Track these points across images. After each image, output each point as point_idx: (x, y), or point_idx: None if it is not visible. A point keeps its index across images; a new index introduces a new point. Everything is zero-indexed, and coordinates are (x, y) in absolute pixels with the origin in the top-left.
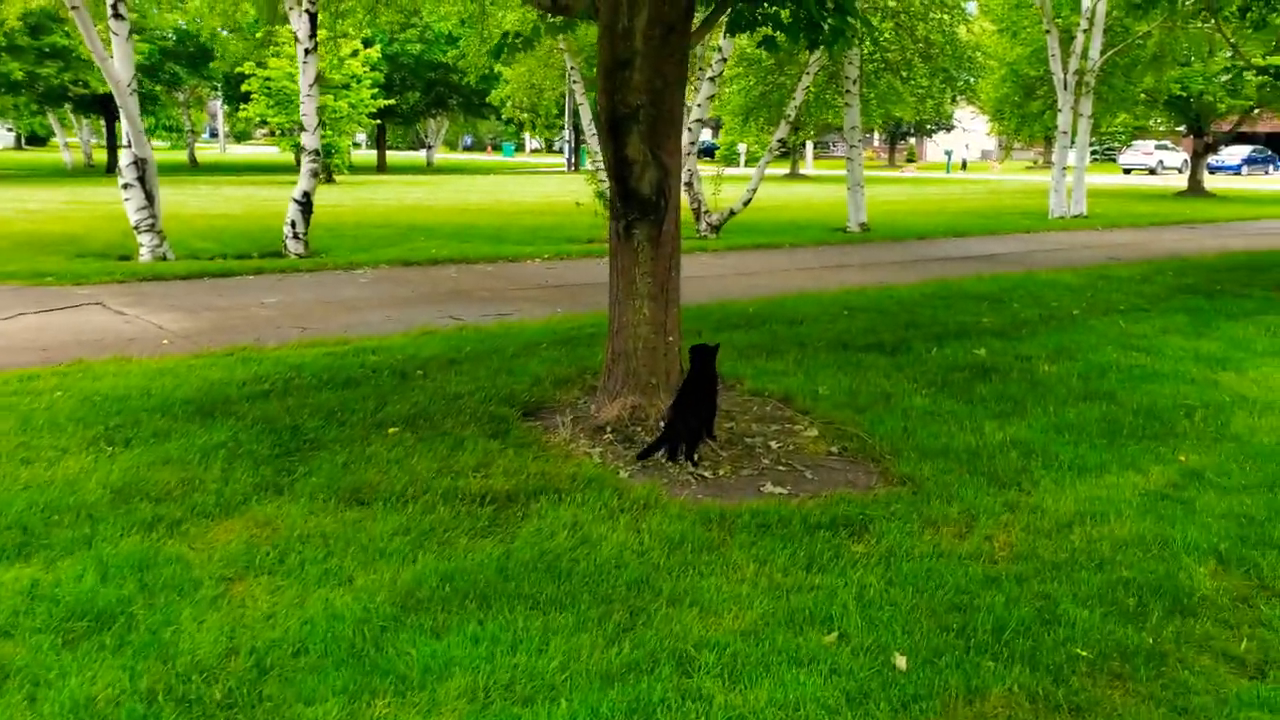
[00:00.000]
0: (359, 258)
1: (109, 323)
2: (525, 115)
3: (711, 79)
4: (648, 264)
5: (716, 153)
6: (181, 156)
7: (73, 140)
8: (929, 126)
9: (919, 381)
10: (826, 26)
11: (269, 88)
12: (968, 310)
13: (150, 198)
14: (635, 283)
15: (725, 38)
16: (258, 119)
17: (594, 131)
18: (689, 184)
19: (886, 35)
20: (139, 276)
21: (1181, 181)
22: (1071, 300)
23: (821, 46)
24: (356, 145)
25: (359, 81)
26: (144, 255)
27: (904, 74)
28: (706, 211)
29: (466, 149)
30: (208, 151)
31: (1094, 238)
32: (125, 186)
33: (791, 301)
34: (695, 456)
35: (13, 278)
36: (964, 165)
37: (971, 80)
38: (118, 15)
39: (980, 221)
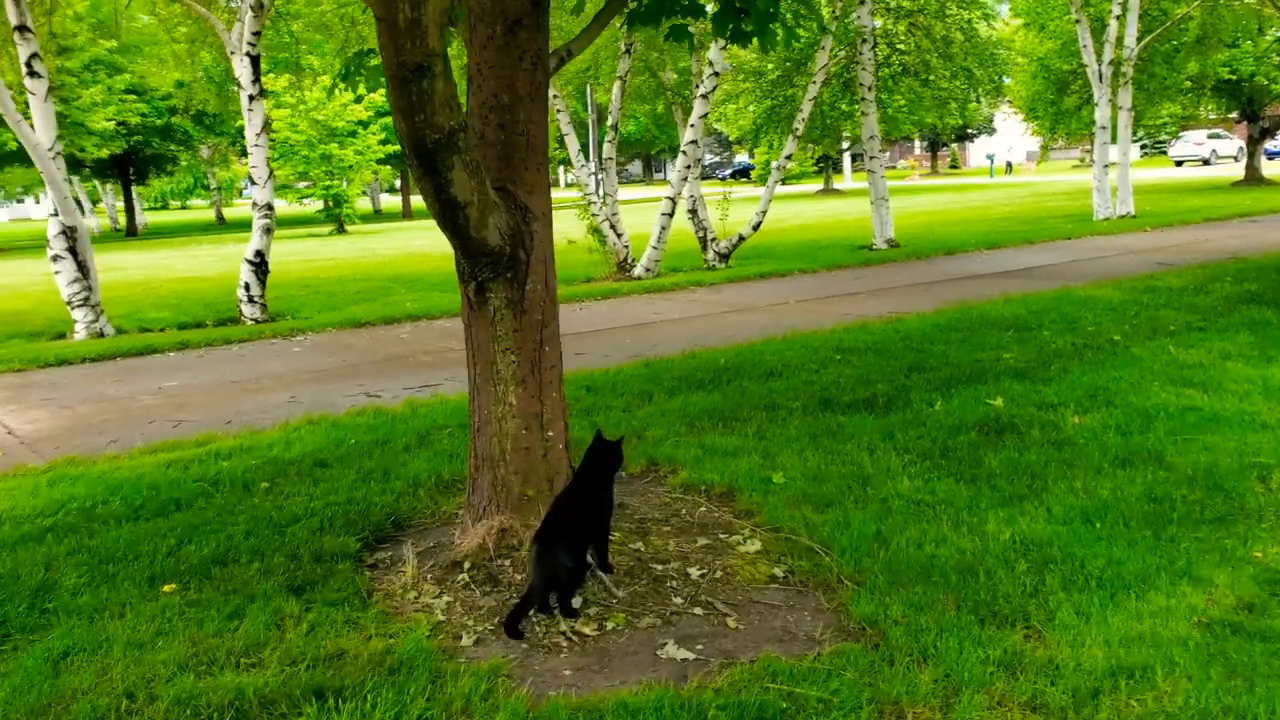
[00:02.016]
0: (322, 318)
1: None
2: None
3: (704, 96)
4: (509, 337)
5: (753, 173)
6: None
7: (100, 206)
8: (970, 131)
9: (911, 452)
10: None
11: (272, 140)
12: (988, 343)
13: (84, 269)
14: (495, 363)
15: (719, 47)
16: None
17: (582, 162)
18: (693, 211)
19: (900, 36)
20: (42, 362)
21: (1238, 170)
22: (1112, 322)
23: (794, 45)
24: (364, 193)
25: (365, 128)
26: (79, 333)
27: (923, 76)
28: (714, 239)
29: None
30: (243, 208)
31: (1141, 240)
32: (55, 259)
33: (776, 346)
34: (574, 603)
35: None
36: (1009, 168)
37: (1000, 79)
38: (33, 73)
39: (1019, 229)
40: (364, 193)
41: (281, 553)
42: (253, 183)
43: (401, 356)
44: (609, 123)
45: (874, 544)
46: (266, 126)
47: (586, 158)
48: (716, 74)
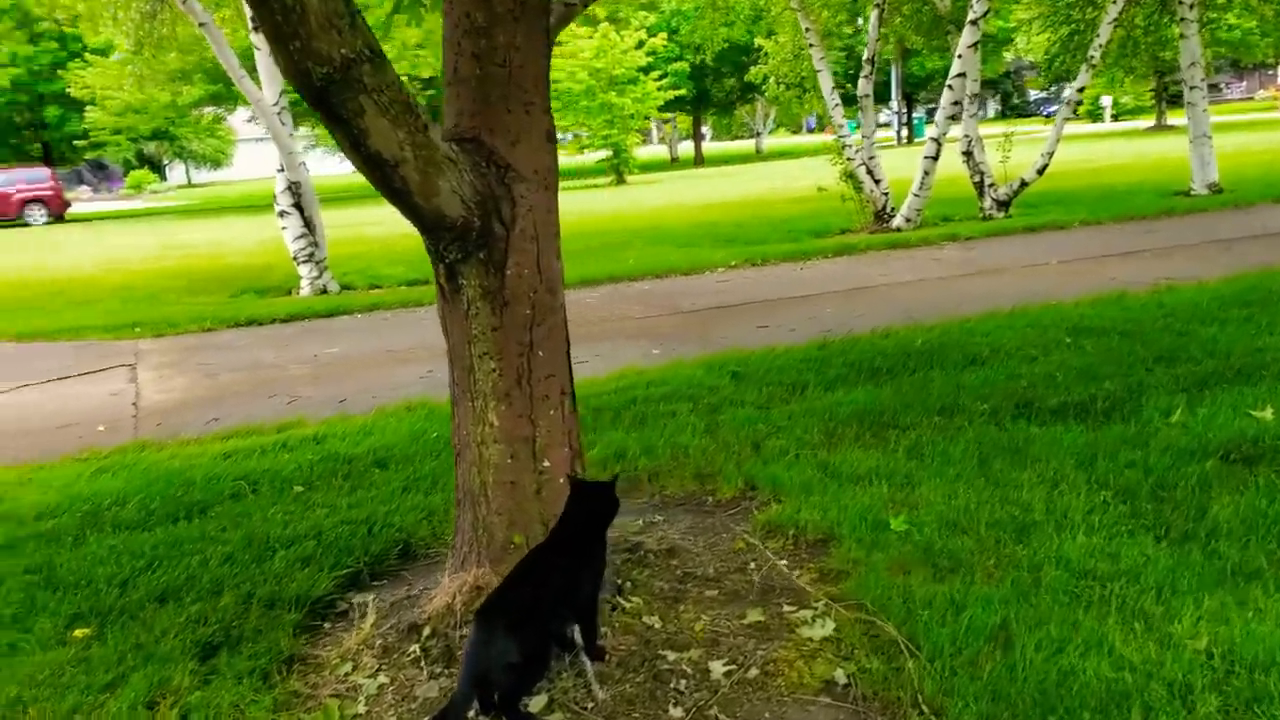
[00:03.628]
0: None
1: (92, 394)
2: (791, 93)
3: (973, 22)
4: (486, 338)
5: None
6: None
7: None
8: None
9: (1109, 488)
10: None
11: (554, 90)
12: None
13: (310, 225)
14: (472, 370)
15: None
16: None
17: (835, 101)
18: (968, 153)
19: None
20: (230, 322)
21: None
22: None
23: None
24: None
25: (646, 74)
26: (303, 289)
27: None
28: (991, 185)
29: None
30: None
31: None
32: (281, 214)
33: (994, 323)
34: (529, 705)
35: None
36: None
37: None
38: (257, 29)
39: None
40: (663, 140)
41: (237, 591)
42: None
43: (573, 324)
44: (865, 55)
45: (987, 645)
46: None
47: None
48: None
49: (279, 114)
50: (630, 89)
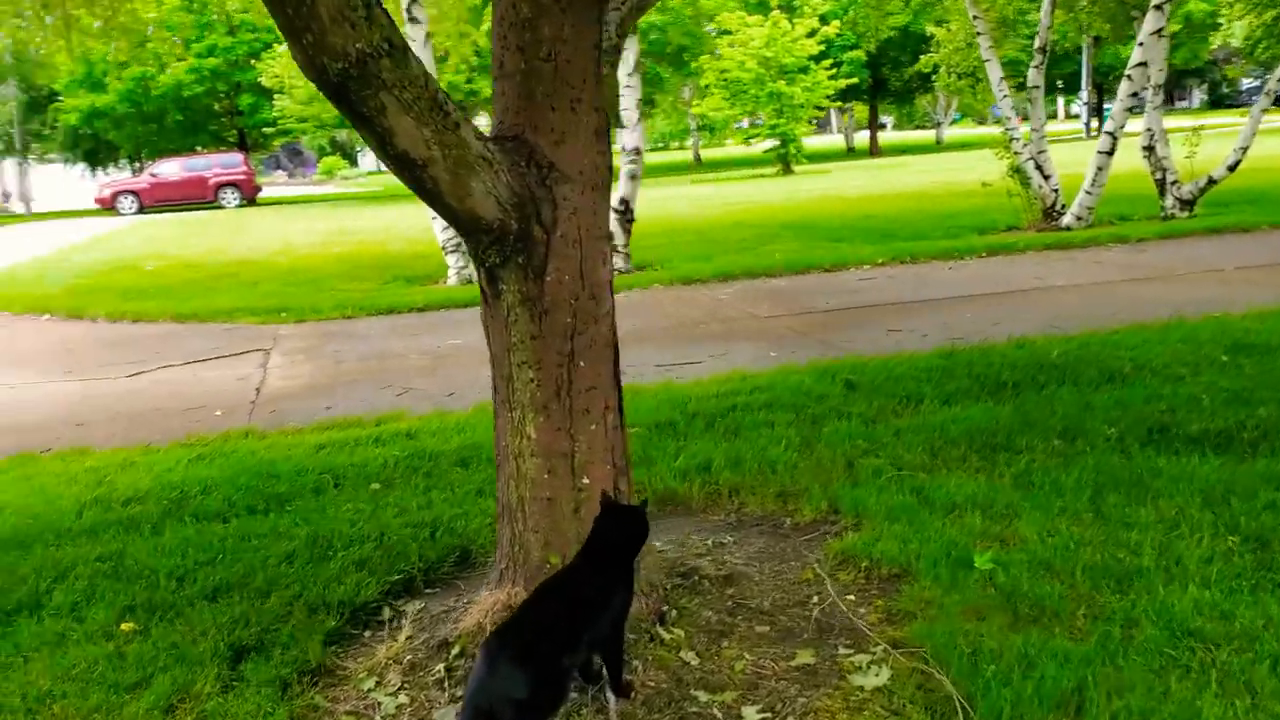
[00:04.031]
0: (687, 268)
1: (223, 378)
2: (964, 83)
3: (1158, 6)
4: (525, 346)
5: None
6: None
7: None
8: None
9: (1238, 533)
10: None
11: (725, 80)
12: None
13: None
14: (511, 379)
15: None
16: (709, 111)
17: (1004, 93)
18: (1149, 148)
19: None
20: (370, 310)
21: None
22: None
23: None
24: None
25: (817, 62)
26: (450, 278)
27: None
28: (1175, 183)
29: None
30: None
31: None
32: None
33: (1143, 336)
34: None
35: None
36: None
37: None
38: (412, 19)
39: None
40: (842, 130)
41: (285, 593)
42: (621, 125)
43: (696, 322)
44: (1035, 44)
45: (1053, 713)
46: (638, 66)
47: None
48: None
49: None
50: (800, 78)
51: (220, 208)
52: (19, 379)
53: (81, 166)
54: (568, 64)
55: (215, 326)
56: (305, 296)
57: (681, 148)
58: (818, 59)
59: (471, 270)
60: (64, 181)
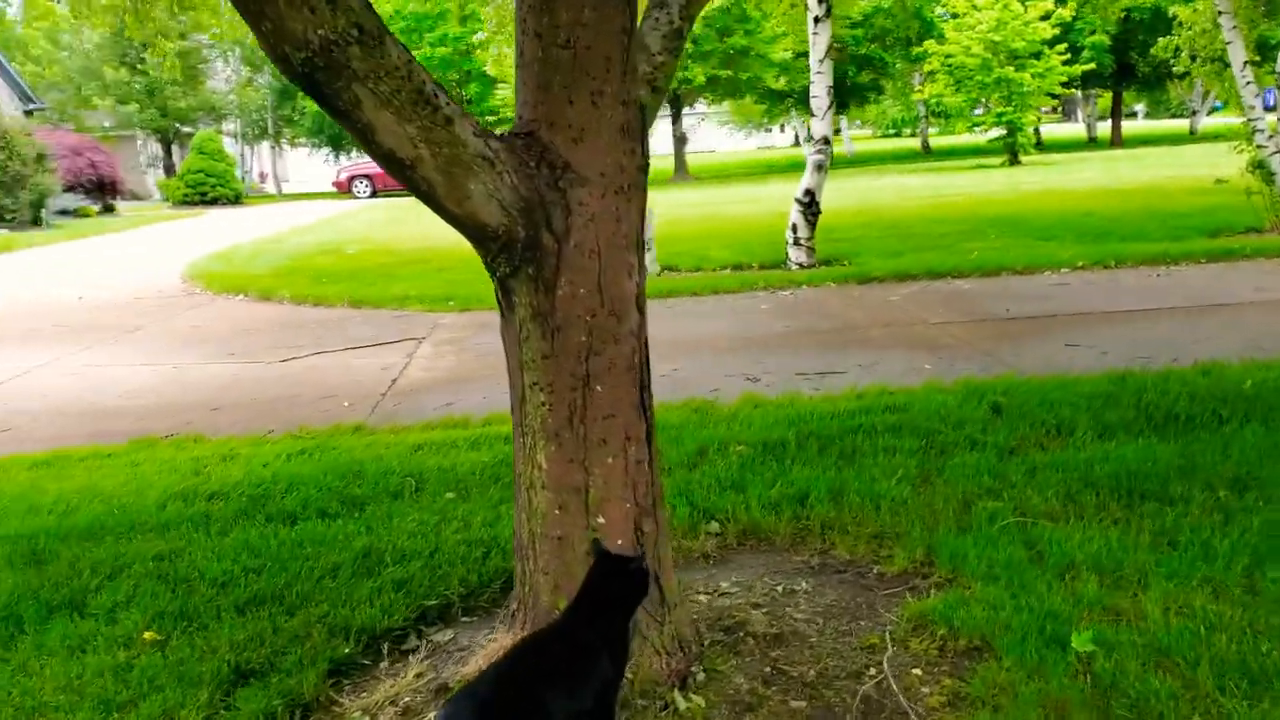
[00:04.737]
0: (872, 265)
1: (368, 367)
2: (1210, 68)
3: None
4: (536, 366)
5: None
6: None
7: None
8: None
9: None
10: None
11: (949, 65)
12: None
13: None
14: (524, 401)
15: None
16: (933, 99)
17: (1247, 79)
18: None
19: None
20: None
21: None
22: None
23: None
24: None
25: (1051, 47)
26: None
27: None
28: None
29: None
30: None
31: None
32: None
33: None
34: None
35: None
36: None
37: None
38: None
39: None
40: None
41: (312, 611)
42: (811, 114)
43: (856, 326)
44: None
45: None
46: (829, 51)
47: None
48: None
49: None
50: (1031, 63)
51: None
52: (187, 359)
53: (326, 151)
54: (588, 51)
55: (385, 313)
56: (480, 284)
57: (914, 135)
58: (1052, 43)
59: (646, 261)
60: (316, 166)
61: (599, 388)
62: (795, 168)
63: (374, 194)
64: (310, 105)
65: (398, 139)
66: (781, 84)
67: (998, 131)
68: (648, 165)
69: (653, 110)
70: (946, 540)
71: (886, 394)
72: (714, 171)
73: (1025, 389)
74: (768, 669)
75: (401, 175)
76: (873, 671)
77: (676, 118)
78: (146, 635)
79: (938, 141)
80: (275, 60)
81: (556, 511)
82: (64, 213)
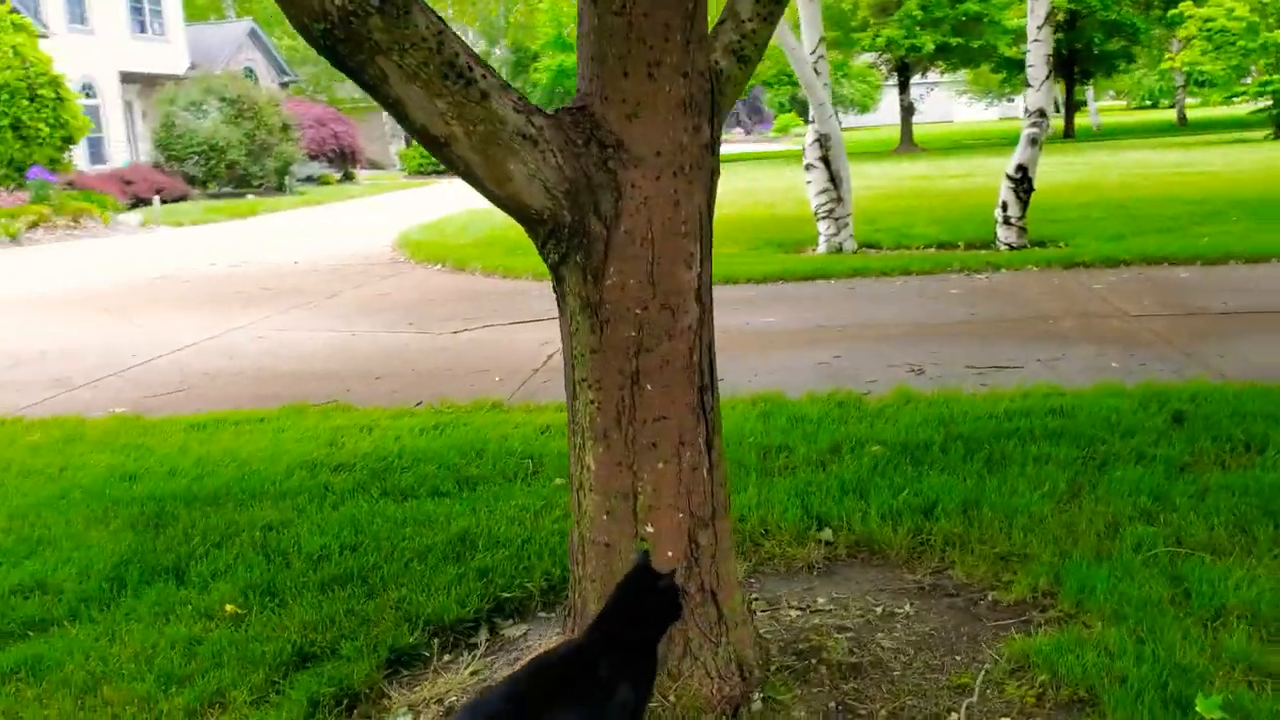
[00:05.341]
0: (1091, 248)
1: (528, 342)
2: None
3: None
4: (586, 361)
5: None
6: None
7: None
8: None
9: None
10: None
11: (1208, 30)
12: None
13: (835, 180)
14: (575, 397)
15: None
16: (1185, 67)
17: None
18: None
19: None
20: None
21: None
22: None
23: None
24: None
25: None
26: (820, 246)
27: None
28: None
29: None
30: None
31: None
32: (808, 168)
33: None
34: None
35: None
36: None
37: None
38: None
39: None
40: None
41: (389, 595)
42: (1027, 85)
43: (1047, 316)
44: None
45: None
46: (1049, 18)
47: None
48: None
49: (814, 64)
50: None
51: None
52: (366, 327)
53: None
54: (645, 18)
55: None
56: None
57: (1170, 106)
58: None
59: (842, 238)
60: None
61: (649, 387)
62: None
63: None
64: (537, 77)
65: (429, 115)
66: (1015, 52)
67: (1263, 102)
68: (716, 144)
69: (739, 84)
70: (1077, 568)
71: (1055, 394)
72: (944, 142)
73: (1217, 396)
74: (834, 703)
75: (439, 154)
76: (954, 717)
77: (904, 87)
78: (229, 608)
79: (1196, 114)
80: (298, 31)
81: (604, 517)
82: (308, 179)
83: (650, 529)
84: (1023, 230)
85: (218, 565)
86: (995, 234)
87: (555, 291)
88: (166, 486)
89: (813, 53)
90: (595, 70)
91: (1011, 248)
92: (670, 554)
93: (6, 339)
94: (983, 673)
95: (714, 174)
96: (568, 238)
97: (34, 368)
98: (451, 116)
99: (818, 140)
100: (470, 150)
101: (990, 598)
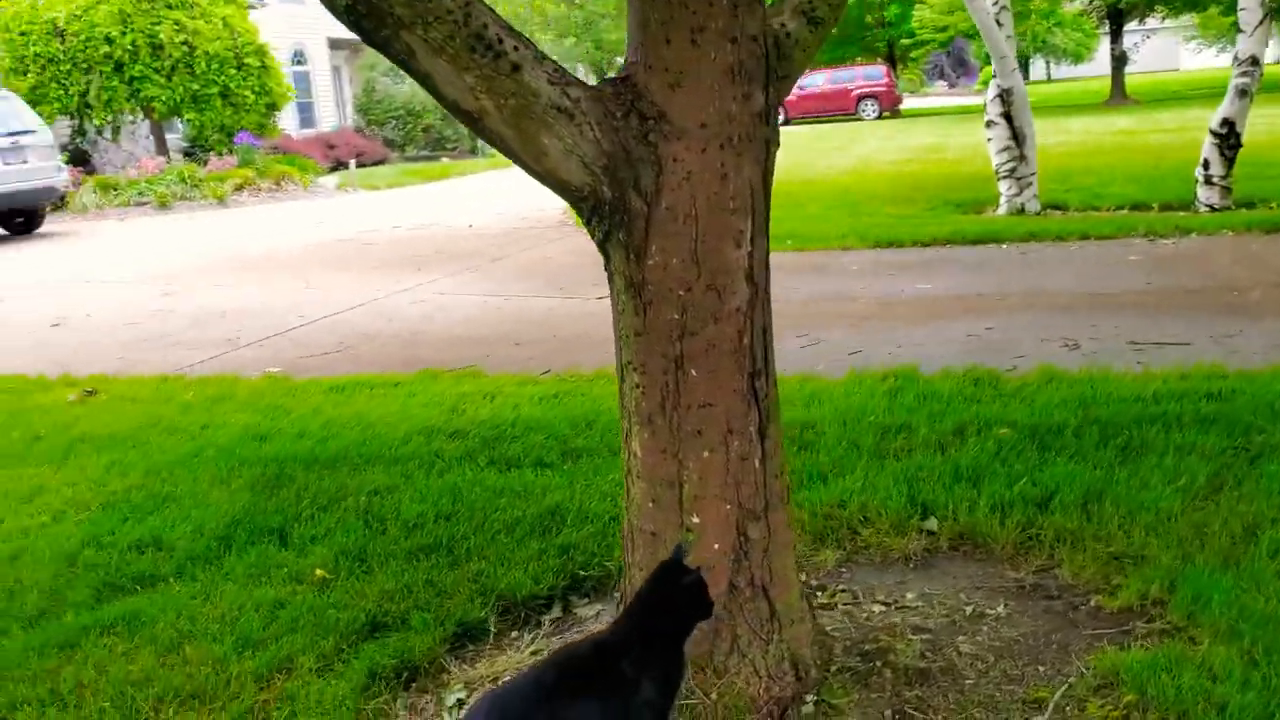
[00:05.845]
0: None
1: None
2: None
3: None
4: (631, 343)
5: None
6: None
7: None
8: None
9: None
10: None
11: None
12: None
13: (1018, 137)
14: (623, 379)
15: None
16: None
17: None
18: None
19: None
20: (874, 243)
21: None
22: None
23: None
24: None
25: None
26: (1000, 207)
27: None
28: None
29: None
30: None
31: None
32: (988, 124)
33: None
34: None
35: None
36: None
37: None
38: None
39: None
40: None
41: (474, 566)
42: (1238, 29)
43: (1234, 286)
44: None
45: None
46: None
47: None
48: None
49: (996, 14)
50: None
51: (859, 119)
52: (523, 290)
53: None
54: None
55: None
56: (826, 223)
57: None
58: None
59: (1024, 199)
60: None
61: (693, 372)
62: (1268, 89)
63: (786, 121)
64: None
65: (458, 89)
66: None
67: None
68: (773, 113)
69: (809, 47)
70: (1196, 574)
71: (1217, 376)
72: (1162, 93)
73: None
74: (890, 711)
75: (473, 128)
76: None
77: (1116, 35)
78: (318, 573)
79: None
80: (325, 7)
81: (650, 504)
82: None
83: (696, 519)
84: (1226, 190)
85: (319, 529)
86: (1195, 194)
87: (606, 270)
88: (292, 448)
89: (995, 2)
90: (639, 37)
91: (1213, 209)
92: (717, 546)
93: (198, 299)
94: (1064, 687)
95: (769, 145)
96: (609, 214)
97: (211, 326)
98: (481, 90)
99: (999, 95)
100: (502, 125)
101: (1094, 602)
